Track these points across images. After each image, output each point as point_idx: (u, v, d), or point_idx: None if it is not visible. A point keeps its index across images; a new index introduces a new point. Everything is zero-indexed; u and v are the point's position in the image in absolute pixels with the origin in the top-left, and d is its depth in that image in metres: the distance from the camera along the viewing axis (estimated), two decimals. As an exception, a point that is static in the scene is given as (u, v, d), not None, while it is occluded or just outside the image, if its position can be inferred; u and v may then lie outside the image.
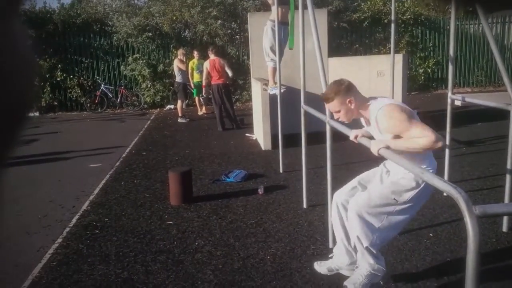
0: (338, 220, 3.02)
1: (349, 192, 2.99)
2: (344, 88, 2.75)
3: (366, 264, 2.82)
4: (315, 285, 3.10)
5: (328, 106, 2.88)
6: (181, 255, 3.66)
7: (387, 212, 2.72)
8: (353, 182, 3.03)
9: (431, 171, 2.63)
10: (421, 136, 2.45)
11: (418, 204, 2.76)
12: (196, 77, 11.06)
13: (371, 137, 2.83)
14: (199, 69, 10.96)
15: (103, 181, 5.93)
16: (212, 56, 9.52)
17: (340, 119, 2.89)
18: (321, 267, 3.20)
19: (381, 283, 3.02)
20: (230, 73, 9.69)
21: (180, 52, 10.96)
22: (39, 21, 13.21)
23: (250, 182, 5.61)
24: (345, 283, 2.92)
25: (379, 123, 2.63)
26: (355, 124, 2.96)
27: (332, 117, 3.52)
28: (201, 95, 11.58)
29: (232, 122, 9.48)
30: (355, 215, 2.74)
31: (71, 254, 3.80)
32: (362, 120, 2.93)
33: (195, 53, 11.32)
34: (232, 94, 10.98)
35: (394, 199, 2.69)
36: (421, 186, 2.64)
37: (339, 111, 2.80)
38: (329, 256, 3.28)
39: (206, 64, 9.49)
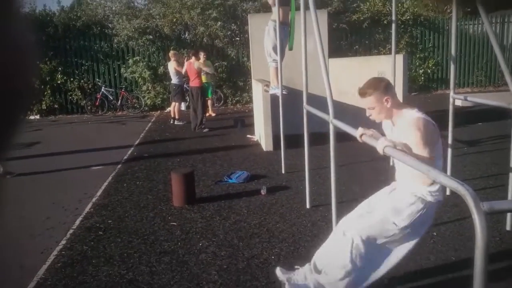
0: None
1: (355, 220, 2.84)
2: (384, 86, 2.67)
3: (314, 283, 2.81)
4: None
5: (364, 101, 2.74)
6: (186, 256, 3.66)
7: (384, 239, 2.65)
8: (360, 208, 2.89)
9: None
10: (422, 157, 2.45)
11: (417, 233, 2.65)
12: (203, 78, 11.01)
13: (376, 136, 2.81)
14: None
15: (106, 183, 5.93)
16: (192, 59, 9.65)
17: (372, 117, 2.76)
18: (282, 274, 3.02)
19: (385, 282, 3.02)
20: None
21: (172, 54, 10.73)
22: (39, 24, 13.22)
23: (252, 183, 5.62)
24: (285, 283, 2.91)
25: (406, 129, 2.60)
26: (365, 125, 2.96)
27: (335, 116, 3.54)
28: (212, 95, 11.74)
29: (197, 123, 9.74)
30: (349, 243, 2.69)
31: (76, 256, 3.80)
32: (386, 124, 2.85)
33: (202, 54, 11.29)
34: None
35: (394, 223, 2.60)
36: (424, 210, 2.57)
37: (373, 108, 2.70)
38: (295, 267, 3.14)
39: (199, 64, 9.58)
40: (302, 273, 2.94)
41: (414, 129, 2.55)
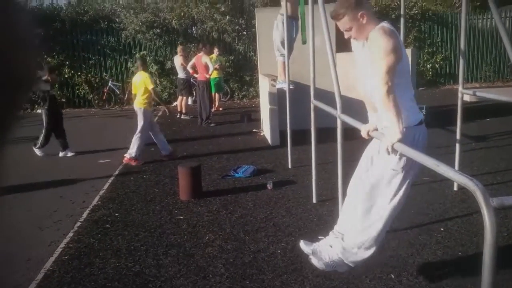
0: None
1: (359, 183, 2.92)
2: (355, 1, 2.56)
3: (340, 250, 2.77)
4: (326, 279, 3.11)
5: (340, 24, 2.64)
6: (192, 249, 3.68)
7: (391, 186, 2.63)
8: (359, 170, 2.95)
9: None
10: (380, 82, 2.41)
11: (415, 166, 2.60)
12: (214, 73, 10.99)
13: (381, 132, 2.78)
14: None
15: (112, 177, 5.96)
16: (201, 53, 9.58)
17: (352, 37, 2.66)
18: (306, 246, 3.02)
19: (393, 276, 3.01)
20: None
21: (180, 49, 10.90)
22: (47, 18, 13.26)
23: (258, 177, 5.62)
24: (310, 255, 2.88)
25: (370, 39, 2.54)
26: (365, 119, 2.94)
27: (342, 111, 3.52)
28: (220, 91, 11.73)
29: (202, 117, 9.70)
30: (362, 205, 2.71)
31: (83, 248, 3.82)
32: (357, 44, 2.77)
33: (215, 50, 11.30)
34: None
35: (393, 169, 2.59)
36: (406, 139, 2.49)
37: (350, 28, 2.60)
38: (319, 237, 3.21)
39: (207, 59, 9.52)
40: (326, 242, 2.94)
41: (376, 38, 2.48)
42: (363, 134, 2.82)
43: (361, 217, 2.71)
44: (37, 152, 7.36)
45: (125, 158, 6.52)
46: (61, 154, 7.40)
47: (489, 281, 1.70)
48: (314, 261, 2.86)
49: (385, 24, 2.58)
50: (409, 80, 2.70)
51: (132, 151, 6.47)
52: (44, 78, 7.06)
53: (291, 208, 4.52)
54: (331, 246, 2.86)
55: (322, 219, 4.17)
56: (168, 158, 6.66)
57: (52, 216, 4.69)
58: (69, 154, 7.40)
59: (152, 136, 6.62)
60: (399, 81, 2.52)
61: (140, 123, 6.46)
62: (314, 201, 4.61)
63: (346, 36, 2.75)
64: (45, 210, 4.87)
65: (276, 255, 3.50)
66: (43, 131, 7.29)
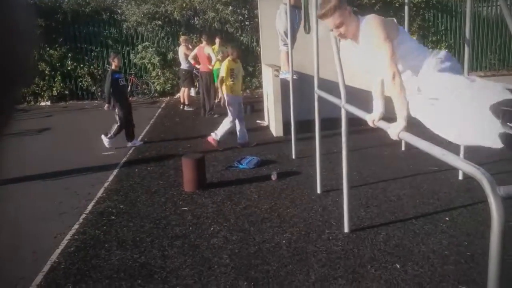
0: None
1: None
2: None
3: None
4: (332, 268, 3.11)
5: (330, 22, 2.60)
6: (197, 240, 3.69)
7: None
8: None
9: None
10: (385, 67, 2.43)
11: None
12: (217, 64, 10.94)
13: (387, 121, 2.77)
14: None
15: (117, 169, 5.97)
16: (203, 44, 9.53)
17: (343, 35, 2.65)
18: None
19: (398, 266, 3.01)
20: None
21: (183, 39, 10.85)
22: (49, 10, 13.22)
23: (263, 168, 5.61)
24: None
25: (364, 30, 2.56)
26: (370, 108, 2.92)
27: (347, 101, 3.50)
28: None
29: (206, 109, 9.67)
30: None
31: (88, 240, 3.84)
32: (346, 44, 2.79)
33: (217, 40, 11.21)
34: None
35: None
36: None
37: (341, 25, 2.57)
38: None
39: (210, 50, 9.49)
40: None
41: (371, 28, 2.51)
42: (369, 123, 2.82)
43: None
44: (105, 142, 7.14)
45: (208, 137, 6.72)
46: (129, 144, 7.23)
47: (497, 270, 1.69)
48: None
49: (373, 15, 2.62)
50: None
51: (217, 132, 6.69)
52: (113, 66, 7.22)
53: (296, 198, 4.51)
54: None
55: (327, 210, 4.17)
56: (242, 146, 6.70)
57: (57, 208, 4.71)
58: (137, 143, 7.29)
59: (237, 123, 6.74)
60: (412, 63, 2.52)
61: (230, 109, 6.67)
62: (319, 191, 4.61)
63: (336, 34, 2.73)
64: (50, 202, 4.89)
65: (281, 245, 3.51)
66: (117, 122, 7.13)
